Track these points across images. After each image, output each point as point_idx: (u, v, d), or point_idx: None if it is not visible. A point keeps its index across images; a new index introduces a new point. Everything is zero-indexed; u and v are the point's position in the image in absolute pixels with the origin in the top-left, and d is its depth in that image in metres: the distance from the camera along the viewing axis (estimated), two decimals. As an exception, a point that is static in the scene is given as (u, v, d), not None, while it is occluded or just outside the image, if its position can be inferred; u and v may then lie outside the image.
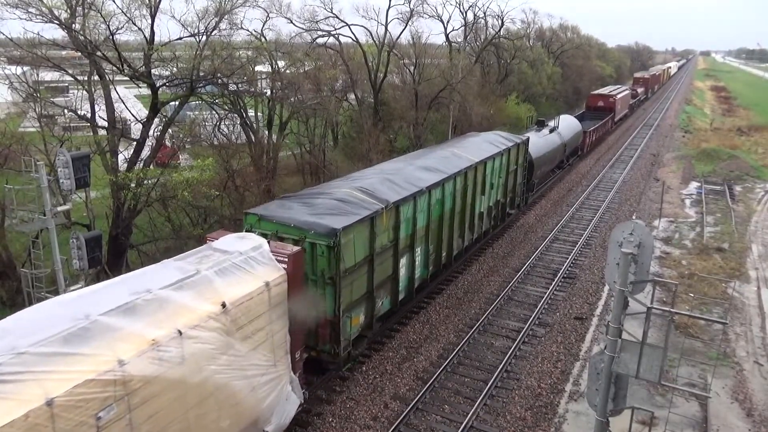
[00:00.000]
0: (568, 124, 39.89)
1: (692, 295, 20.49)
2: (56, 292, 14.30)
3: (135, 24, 21.04)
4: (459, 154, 22.29)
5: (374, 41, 39.88)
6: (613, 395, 8.25)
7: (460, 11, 54.09)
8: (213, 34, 23.08)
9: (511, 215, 27.85)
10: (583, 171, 42.14)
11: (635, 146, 52.83)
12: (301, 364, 13.00)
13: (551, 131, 35.75)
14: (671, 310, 8.02)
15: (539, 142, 32.17)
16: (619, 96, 59.92)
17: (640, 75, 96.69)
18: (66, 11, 19.90)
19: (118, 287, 9.72)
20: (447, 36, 51.49)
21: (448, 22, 51.70)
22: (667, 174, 41.06)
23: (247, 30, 30.62)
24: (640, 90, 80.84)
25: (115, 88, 22.42)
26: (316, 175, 32.82)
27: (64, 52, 22.19)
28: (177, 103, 24.07)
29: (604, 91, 63.26)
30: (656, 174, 41.22)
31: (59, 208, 14.16)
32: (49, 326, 8.22)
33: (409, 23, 41.67)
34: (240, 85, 25.43)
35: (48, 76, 24.21)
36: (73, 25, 19.96)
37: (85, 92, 21.70)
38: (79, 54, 21.11)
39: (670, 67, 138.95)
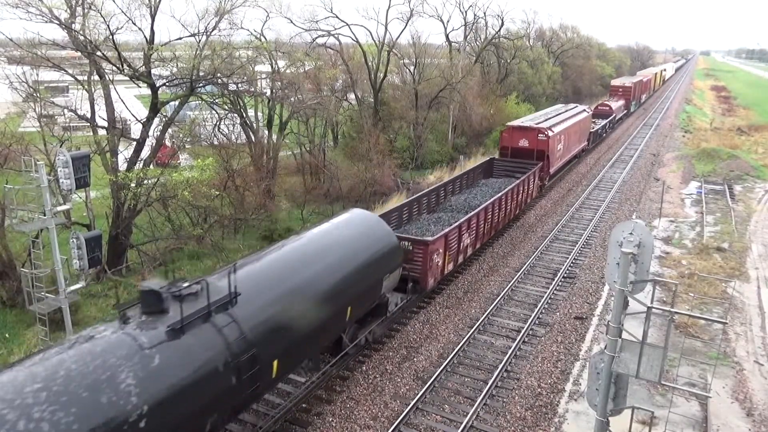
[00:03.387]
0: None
1: (692, 294, 20.48)
2: (56, 292, 14.32)
3: (135, 24, 21.13)
4: None
5: (374, 41, 39.96)
6: (613, 395, 8.25)
7: (460, 11, 54.40)
8: (213, 34, 23.15)
9: None
10: (583, 171, 42.16)
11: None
12: None
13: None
14: (671, 309, 8.00)
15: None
16: (560, 128, 34.09)
17: (619, 83, 69.75)
18: (66, 11, 19.95)
19: None
20: (447, 36, 51.65)
21: (448, 21, 52.09)
22: (667, 174, 41.07)
23: (247, 30, 30.81)
24: (616, 105, 58.28)
25: (115, 88, 22.46)
26: (316, 175, 32.89)
27: (64, 52, 22.22)
28: (177, 103, 24.11)
29: (533, 119, 35.47)
30: (656, 174, 41.23)
31: (59, 208, 14.18)
32: None
33: (409, 23, 41.82)
34: (240, 85, 25.47)
35: (48, 76, 24.23)
36: (73, 25, 19.99)
37: (85, 92, 21.77)
38: (79, 54, 21.15)
39: (664, 70, 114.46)
